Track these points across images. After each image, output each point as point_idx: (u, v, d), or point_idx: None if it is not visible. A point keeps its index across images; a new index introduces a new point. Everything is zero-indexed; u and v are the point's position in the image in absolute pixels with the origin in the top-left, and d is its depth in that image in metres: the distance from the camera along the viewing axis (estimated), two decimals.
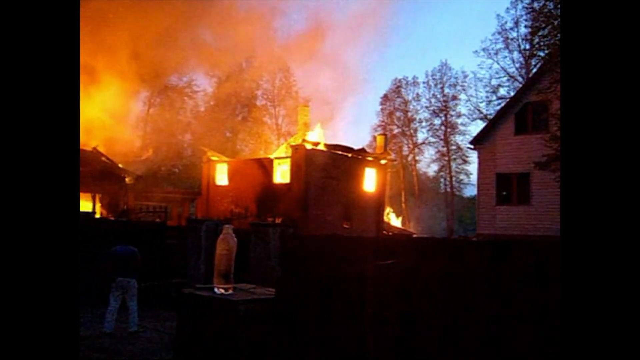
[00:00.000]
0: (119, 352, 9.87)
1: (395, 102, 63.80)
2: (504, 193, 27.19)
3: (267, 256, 13.05)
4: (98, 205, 27.28)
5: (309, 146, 29.70)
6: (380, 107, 64.20)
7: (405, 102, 63.54)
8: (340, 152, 31.09)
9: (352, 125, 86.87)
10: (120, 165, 30.89)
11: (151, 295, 12.51)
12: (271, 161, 31.94)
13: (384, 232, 33.47)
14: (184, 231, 16.54)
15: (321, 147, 30.54)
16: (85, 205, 26.86)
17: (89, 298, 13.65)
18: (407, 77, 66.00)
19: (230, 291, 4.17)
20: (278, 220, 22.85)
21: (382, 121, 63.26)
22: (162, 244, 15.51)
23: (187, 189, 45.80)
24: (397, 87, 63.66)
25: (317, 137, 33.44)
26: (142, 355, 9.68)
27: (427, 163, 65.20)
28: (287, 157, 30.91)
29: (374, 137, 50.03)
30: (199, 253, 13.66)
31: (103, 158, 30.23)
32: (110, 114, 36.58)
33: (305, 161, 28.68)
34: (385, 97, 63.96)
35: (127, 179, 29.67)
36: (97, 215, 25.07)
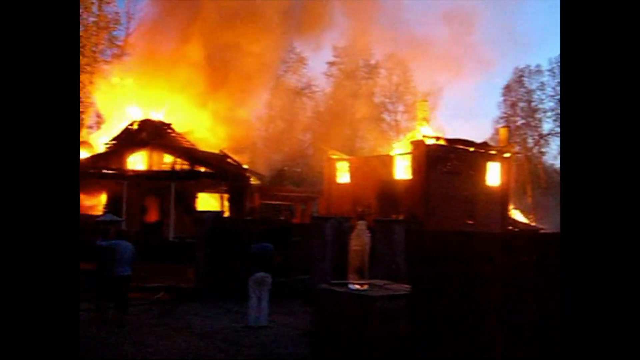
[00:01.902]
0: (250, 345, 10.25)
1: (518, 92, 61.37)
2: None
3: (392, 253, 13.03)
4: (226, 205, 28.43)
5: (429, 141, 29.32)
6: (502, 98, 62.00)
7: (529, 92, 60.94)
8: (461, 147, 30.41)
9: (472, 118, 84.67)
10: (245, 166, 32.01)
11: (277, 291, 12.89)
12: (391, 158, 31.83)
13: (510, 228, 32.34)
14: (308, 229, 16.87)
15: (441, 142, 30.03)
16: (214, 204, 28.11)
17: (234, 293, 14.36)
18: (530, 66, 63.21)
19: (366, 287, 4.21)
20: (400, 217, 22.74)
21: (505, 113, 61.05)
22: (288, 242, 15.93)
23: (309, 187, 46.62)
24: (520, 77, 61.16)
25: (437, 132, 32.93)
26: (271, 348, 10.00)
27: (554, 155, 62.07)
28: (407, 153, 30.67)
29: (497, 130, 48.45)
30: (324, 250, 13.88)
31: (229, 160, 31.45)
32: (234, 117, 38.02)
33: (426, 157, 28.33)
34: (508, 88, 61.65)
35: (252, 179, 30.71)
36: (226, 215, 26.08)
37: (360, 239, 4.37)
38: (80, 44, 46.47)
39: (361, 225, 4.40)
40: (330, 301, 4.42)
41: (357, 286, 4.28)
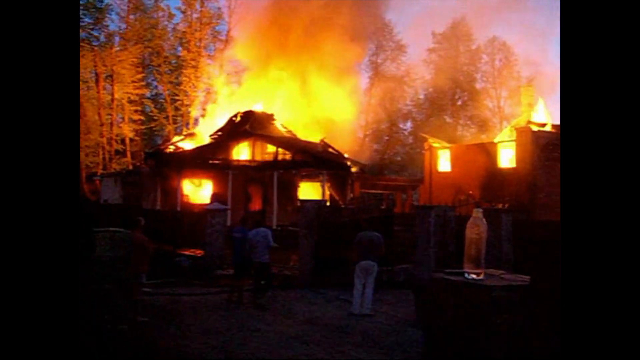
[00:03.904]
0: (354, 333, 10.30)
1: None
2: None
3: (498, 242, 12.67)
4: (327, 194, 28.71)
5: (534, 128, 28.23)
6: None
7: None
8: None
9: None
10: (346, 155, 32.18)
11: (380, 280, 12.86)
12: (495, 145, 30.98)
13: None
14: (411, 218, 16.71)
15: (548, 128, 28.83)
16: (315, 193, 28.45)
17: (338, 280, 14.55)
18: None
19: (482, 276, 4.11)
20: (505, 206, 22.09)
21: None
22: (390, 231, 15.85)
23: (409, 176, 46.27)
24: None
25: (543, 117, 31.62)
26: (376, 336, 9.99)
27: None
28: (511, 141, 29.74)
29: None
30: (428, 239, 13.71)
31: (330, 149, 31.71)
32: (335, 106, 38.27)
33: (532, 144, 27.31)
34: None
35: (352, 168, 30.82)
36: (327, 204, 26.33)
37: (476, 227, 4.24)
38: (185, 40, 48.33)
39: (477, 213, 4.27)
40: (445, 290, 4.34)
41: (473, 275, 4.17)
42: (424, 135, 37.22)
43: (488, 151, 30.52)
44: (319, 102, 37.79)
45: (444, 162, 33.44)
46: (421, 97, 58.72)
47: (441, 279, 4.25)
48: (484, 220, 4.25)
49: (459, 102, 58.51)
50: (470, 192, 28.83)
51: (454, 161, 32.67)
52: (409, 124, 58.66)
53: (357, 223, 13.64)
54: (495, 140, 32.72)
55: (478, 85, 59.05)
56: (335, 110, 38.44)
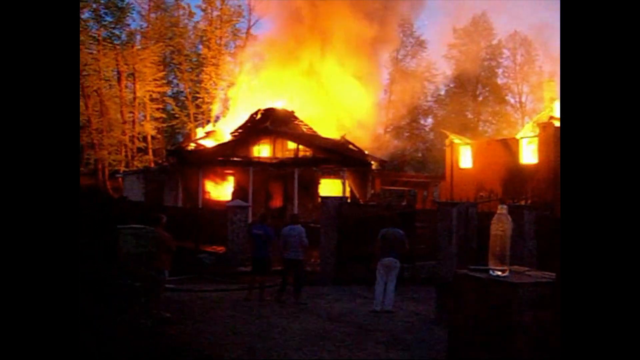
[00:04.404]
0: (376, 329, 10.27)
1: None
2: None
3: (521, 238, 12.56)
4: (347, 190, 28.69)
5: (557, 123, 27.91)
6: None
7: None
8: None
9: None
10: (366, 152, 32.11)
11: (401, 277, 12.81)
12: (517, 141, 30.70)
13: None
14: (432, 214, 16.63)
15: None
16: (336, 190, 28.45)
17: (359, 277, 14.56)
18: None
19: (507, 273, 4.06)
20: (527, 202, 21.89)
21: None
22: (412, 228, 15.79)
23: (430, 172, 46.06)
24: None
25: None
26: (399, 333, 9.96)
27: None
28: (534, 136, 29.45)
29: None
30: (450, 236, 13.63)
31: (351, 146, 31.67)
32: (354, 103, 38.21)
33: (555, 139, 26.99)
34: None
35: (373, 165, 30.76)
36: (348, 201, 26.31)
37: (501, 224, 4.20)
38: (205, 38, 48.55)
39: (502, 209, 4.22)
40: (469, 287, 4.30)
41: (498, 272, 4.13)
42: (445, 131, 36.99)
43: (510, 147, 30.25)
44: (339, 99, 37.76)
45: (465, 159, 33.21)
46: (442, 93, 58.42)
47: (466, 276, 4.21)
48: (508, 216, 4.21)
49: (480, 98, 58.09)
50: (492, 188, 28.59)
51: (476, 157, 32.43)
52: (429, 120, 58.43)
53: (379, 219, 13.62)
54: (517, 136, 32.42)
55: (499, 81, 58.60)
56: (356, 107, 38.38)
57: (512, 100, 58.06)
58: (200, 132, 39.76)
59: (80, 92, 40.59)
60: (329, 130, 34.01)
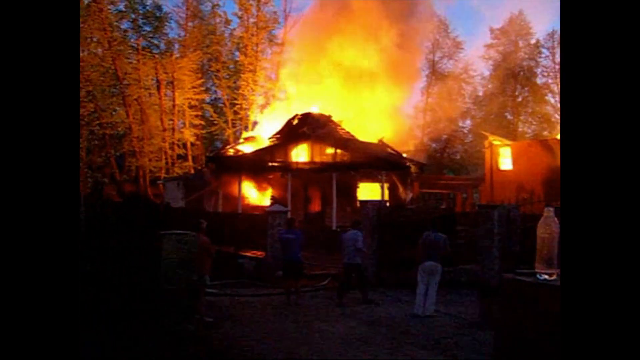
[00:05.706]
0: (417, 334, 10.21)
1: None
2: None
3: None
4: (386, 194, 28.57)
5: None
6: None
7: None
8: None
9: None
10: (404, 155, 31.94)
11: (442, 281, 12.68)
12: (557, 142, 30.14)
13: None
14: (473, 217, 16.45)
15: None
16: (374, 194, 28.35)
17: (399, 281, 14.53)
18: None
19: (554, 277, 4.00)
20: None
21: None
22: (452, 231, 15.64)
23: (469, 175, 45.56)
24: None
25: None
26: (439, 337, 9.87)
27: None
28: None
29: None
30: (491, 239, 13.44)
31: (388, 149, 31.55)
32: (392, 106, 38.05)
33: None
34: None
35: (411, 168, 30.57)
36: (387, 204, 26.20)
37: (548, 227, 4.13)
38: (242, 45, 48.97)
39: (548, 212, 4.16)
40: (516, 292, 4.24)
41: (546, 276, 4.07)
42: (484, 132, 36.56)
43: (551, 148, 29.75)
44: (377, 102, 37.63)
45: (505, 160, 32.78)
46: (480, 94, 57.75)
47: (513, 280, 4.16)
48: (555, 219, 4.14)
49: (520, 99, 57.23)
50: (533, 190, 28.12)
51: (516, 159, 31.99)
52: (468, 122, 57.78)
53: (419, 223, 13.54)
54: (558, 137, 31.85)
55: (539, 81, 57.63)
56: (394, 110, 38.22)
57: (552, 100, 56.98)
58: (240, 137, 40.14)
59: (121, 101, 41.40)
60: (366, 134, 33.93)
